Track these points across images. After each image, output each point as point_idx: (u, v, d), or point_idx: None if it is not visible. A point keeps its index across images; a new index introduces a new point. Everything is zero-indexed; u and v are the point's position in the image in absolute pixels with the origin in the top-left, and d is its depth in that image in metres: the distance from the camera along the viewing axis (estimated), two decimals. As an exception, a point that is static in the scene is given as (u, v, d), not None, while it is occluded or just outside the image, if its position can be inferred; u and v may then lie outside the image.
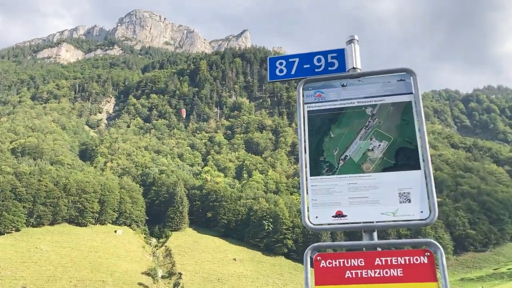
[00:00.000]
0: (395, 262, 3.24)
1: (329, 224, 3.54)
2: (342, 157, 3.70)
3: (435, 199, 3.35)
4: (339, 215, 3.51)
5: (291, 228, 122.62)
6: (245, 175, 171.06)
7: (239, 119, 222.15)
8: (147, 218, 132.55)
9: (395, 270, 3.22)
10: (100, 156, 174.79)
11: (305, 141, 3.82)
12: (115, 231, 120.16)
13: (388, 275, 3.22)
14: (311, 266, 3.43)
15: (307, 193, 3.64)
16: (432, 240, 3.27)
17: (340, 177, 3.62)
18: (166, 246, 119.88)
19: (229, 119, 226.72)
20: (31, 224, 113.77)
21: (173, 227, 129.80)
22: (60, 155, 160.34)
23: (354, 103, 3.88)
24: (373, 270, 3.25)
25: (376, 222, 3.41)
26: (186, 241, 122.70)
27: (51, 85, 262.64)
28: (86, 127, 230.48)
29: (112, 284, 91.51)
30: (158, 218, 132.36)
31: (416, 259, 3.22)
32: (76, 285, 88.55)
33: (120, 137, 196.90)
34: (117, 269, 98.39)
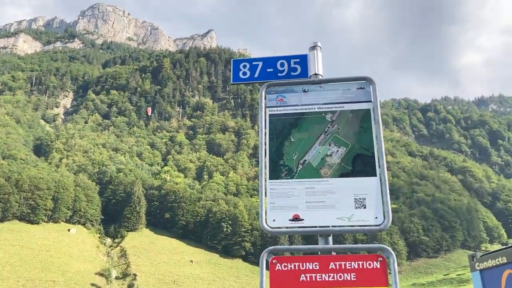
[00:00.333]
0: (349, 266, 3.30)
1: (286, 227, 3.56)
2: (301, 161, 3.73)
3: (389, 206, 3.43)
4: (296, 218, 3.53)
5: (249, 231, 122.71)
6: (206, 176, 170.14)
7: (201, 120, 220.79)
8: (103, 217, 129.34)
9: (349, 274, 3.28)
10: (56, 152, 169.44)
11: (265, 144, 3.83)
12: (69, 230, 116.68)
13: (341, 279, 3.27)
14: (267, 269, 3.45)
15: (266, 196, 3.66)
16: (385, 246, 3.35)
17: (299, 181, 3.65)
18: (121, 247, 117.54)
19: (192, 119, 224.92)
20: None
21: (130, 227, 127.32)
22: (13, 149, 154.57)
23: (314, 108, 3.92)
24: (327, 274, 3.29)
25: (332, 226, 3.46)
26: (142, 241, 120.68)
27: (6, 77, 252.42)
28: (42, 122, 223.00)
29: (64, 284, 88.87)
30: (114, 218, 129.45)
31: (369, 264, 3.29)
32: (24, 285, 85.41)
33: (77, 133, 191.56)
34: (69, 269, 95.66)
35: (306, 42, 4.38)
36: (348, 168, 3.61)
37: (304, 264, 3.34)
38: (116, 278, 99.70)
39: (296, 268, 3.34)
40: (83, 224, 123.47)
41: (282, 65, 4.36)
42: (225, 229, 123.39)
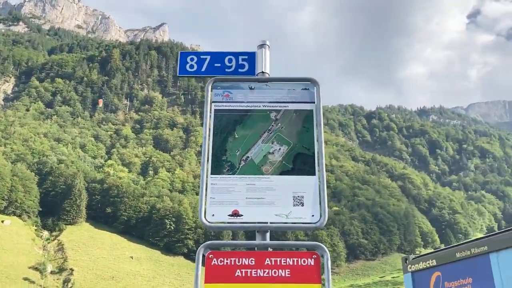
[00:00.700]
0: (284, 262, 3.34)
1: (224, 222, 3.56)
2: (244, 158, 3.75)
3: (326, 204, 3.52)
4: (235, 214, 3.54)
5: (193, 229, 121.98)
6: (151, 172, 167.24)
7: (149, 114, 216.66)
8: (41, 209, 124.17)
9: (283, 270, 3.32)
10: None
11: (209, 139, 3.82)
12: (2, 221, 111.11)
13: (276, 275, 3.31)
14: (203, 264, 3.43)
15: (206, 191, 3.65)
16: (320, 244, 3.42)
17: (240, 177, 3.66)
18: (58, 240, 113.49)
19: (139, 113, 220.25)
20: None
21: (69, 220, 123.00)
22: None
23: (260, 106, 3.95)
24: (262, 270, 3.32)
25: (270, 223, 3.50)
26: (81, 236, 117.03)
27: None
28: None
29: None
30: (52, 210, 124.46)
31: (304, 261, 3.34)
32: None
33: (18, 120, 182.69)
34: (1, 262, 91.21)
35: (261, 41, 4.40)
36: (288, 166, 3.66)
37: (240, 259, 3.35)
38: (52, 272, 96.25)
39: (232, 263, 3.35)
40: (19, 216, 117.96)
41: (230, 60, 4.36)
42: (168, 226, 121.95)
